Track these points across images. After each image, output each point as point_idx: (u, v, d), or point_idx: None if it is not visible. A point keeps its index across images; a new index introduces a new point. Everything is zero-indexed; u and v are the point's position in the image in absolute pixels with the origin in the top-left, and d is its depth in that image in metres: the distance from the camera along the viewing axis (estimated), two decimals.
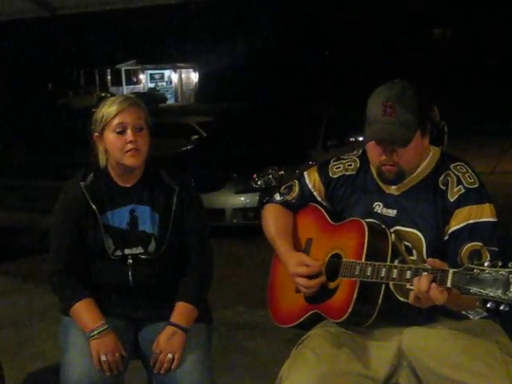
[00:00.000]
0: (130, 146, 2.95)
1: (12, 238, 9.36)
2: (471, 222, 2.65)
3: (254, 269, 6.63)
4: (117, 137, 2.97)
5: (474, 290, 2.24)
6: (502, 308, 2.20)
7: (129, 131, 2.96)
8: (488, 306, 2.23)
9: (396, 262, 2.62)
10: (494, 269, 2.22)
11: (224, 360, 4.75)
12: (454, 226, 2.68)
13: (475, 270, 2.26)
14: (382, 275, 2.57)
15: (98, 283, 3.08)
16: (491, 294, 2.20)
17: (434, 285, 2.36)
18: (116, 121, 2.96)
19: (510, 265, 2.21)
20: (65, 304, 3.08)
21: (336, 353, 2.72)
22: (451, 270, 2.33)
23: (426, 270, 2.41)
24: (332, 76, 40.73)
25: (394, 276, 2.53)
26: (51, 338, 4.92)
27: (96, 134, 3.03)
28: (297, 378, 2.67)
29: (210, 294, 3.22)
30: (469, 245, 2.61)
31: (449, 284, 2.33)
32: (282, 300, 3.07)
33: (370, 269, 2.61)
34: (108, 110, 2.98)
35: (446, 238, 2.70)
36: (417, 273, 2.44)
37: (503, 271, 2.20)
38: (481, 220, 2.65)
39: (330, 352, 2.72)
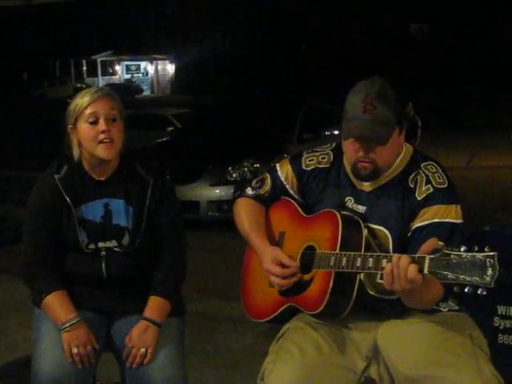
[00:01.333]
0: (102, 136, 2.93)
1: None
2: (436, 220, 2.65)
3: (228, 261, 6.61)
4: (89, 127, 2.95)
5: (450, 275, 2.26)
6: (479, 292, 2.22)
7: (101, 121, 2.94)
8: (465, 290, 2.24)
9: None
10: (470, 253, 2.23)
11: (198, 352, 4.76)
12: (419, 222, 2.68)
13: (452, 256, 2.27)
14: (358, 264, 2.56)
15: (71, 275, 3.06)
16: (468, 279, 2.22)
17: (412, 265, 2.37)
18: (88, 110, 2.94)
19: (486, 249, 2.22)
20: (36, 296, 3.06)
21: (319, 345, 2.72)
22: (428, 256, 2.35)
23: (401, 255, 2.43)
24: (308, 69, 40.75)
25: (370, 265, 2.52)
26: (24, 330, 4.89)
27: (70, 125, 3.00)
28: (282, 371, 2.65)
29: (183, 286, 3.20)
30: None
31: (426, 270, 2.34)
32: (256, 294, 3.05)
33: (344, 259, 2.60)
34: (81, 100, 2.96)
35: (410, 234, 2.70)
36: (391, 258, 2.45)
37: (480, 255, 2.22)
38: (446, 220, 2.65)
39: (312, 344, 2.72)
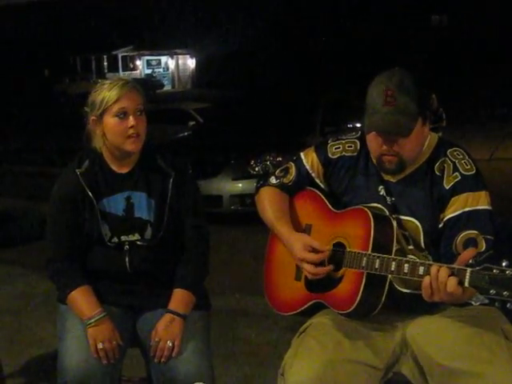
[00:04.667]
0: (131, 131, 2.93)
1: (9, 225, 9.34)
2: (467, 209, 2.61)
3: (251, 255, 6.60)
4: (118, 121, 2.93)
5: (492, 291, 2.22)
6: None
7: (130, 116, 2.93)
8: (507, 306, 2.21)
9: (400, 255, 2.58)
10: None
11: (222, 347, 4.74)
12: (450, 213, 2.64)
13: (494, 271, 2.22)
14: (392, 269, 2.51)
15: (95, 270, 3.06)
16: (511, 296, 2.18)
17: (452, 278, 2.32)
18: (118, 105, 2.92)
19: None
20: (62, 292, 3.06)
21: (339, 341, 2.69)
22: (469, 269, 2.29)
23: (440, 265, 2.38)
24: (330, 62, 40.62)
25: (406, 271, 2.47)
26: (49, 325, 4.91)
27: (93, 117, 2.99)
28: (300, 366, 2.63)
29: (207, 280, 3.19)
30: (464, 233, 2.57)
31: (467, 283, 2.30)
32: (281, 287, 3.00)
33: (378, 261, 2.55)
34: (109, 93, 2.93)
35: (441, 225, 2.66)
36: (429, 269, 2.40)
37: None
38: (477, 208, 2.61)
39: (333, 340, 2.69)
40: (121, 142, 2.96)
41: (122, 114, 2.93)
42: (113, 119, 2.94)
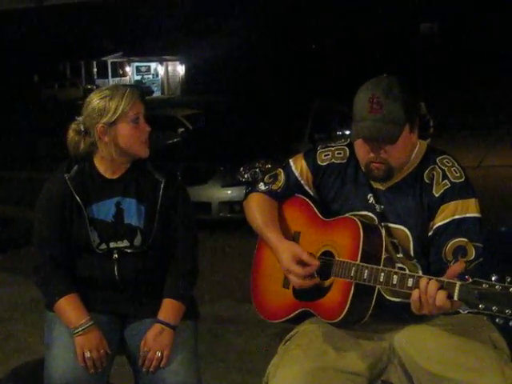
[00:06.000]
0: (145, 136, 3.01)
1: None
2: (456, 217, 2.61)
3: (240, 262, 6.58)
4: (134, 127, 2.97)
5: (482, 305, 2.21)
6: (511, 324, 2.17)
7: (143, 121, 3.00)
8: (496, 321, 2.21)
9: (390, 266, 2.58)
10: (502, 285, 2.18)
11: (210, 354, 4.73)
12: (439, 221, 2.63)
13: (484, 285, 2.22)
14: (381, 280, 2.50)
15: (83, 277, 3.04)
16: (500, 311, 2.17)
17: (441, 291, 2.32)
18: (133, 112, 2.95)
19: None
20: (49, 299, 3.04)
21: (325, 349, 2.67)
22: (458, 283, 2.29)
23: (429, 279, 2.37)
24: (319, 69, 40.71)
25: (395, 282, 2.46)
26: (36, 332, 4.88)
27: (101, 125, 2.95)
28: (284, 375, 2.62)
29: (196, 287, 3.18)
30: (454, 240, 2.57)
31: (456, 297, 2.29)
32: (268, 294, 2.98)
33: (366, 272, 2.55)
34: (124, 100, 2.93)
35: (431, 233, 2.66)
36: (418, 282, 2.40)
37: None
38: (466, 215, 2.61)
39: (318, 348, 2.68)
40: (136, 147, 3.00)
41: (137, 120, 2.97)
42: (128, 125, 2.96)
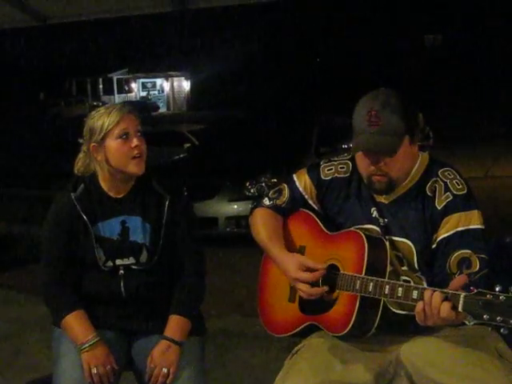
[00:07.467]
0: (136, 152, 2.96)
1: (4, 249, 9.30)
2: (460, 229, 2.62)
3: (247, 277, 6.56)
4: (122, 143, 2.96)
5: (486, 316, 2.22)
6: None
7: (133, 137, 2.97)
8: (501, 331, 2.22)
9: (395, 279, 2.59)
10: (506, 295, 2.19)
11: (219, 369, 4.72)
12: (443, 233, 2.64)
13: (488, 296, 2.23)
14: (386, 292, 2.52)
15: (90, 294, 3.05)
16: (504, 321, 2.19)
17: (446, 303, 2.33)
18: (119, 128, 2.95)
19: None
20: (56, 316, 3.05)
21: (331, 363, 2.68)
22: (462, 294, 2.30)
23: (434, 290, 2.38)
24: (324, 83, 40.75)
25: (400, 295, 2.48)
26: (44, 350, 4.88)
27: (93, 143, 2.99)
28: None
29: (203, 303, 3.18)
30: (458, 252, 2.58)
31: (460, 308, 2.30)
32: (275, 309, 3.00)
33: (371, 284, 2.56)
34: (108, 118, 2.95)
35: (434, 245, 2.67)
36: (423, 294, 2.40)
37: None
38: (469, 227, 2.62)
39: (324, 362, 2.69)
40: (125, 164, 2.97)
41: (125, 136, 2.96)
42: (115, 142, 2.96)
